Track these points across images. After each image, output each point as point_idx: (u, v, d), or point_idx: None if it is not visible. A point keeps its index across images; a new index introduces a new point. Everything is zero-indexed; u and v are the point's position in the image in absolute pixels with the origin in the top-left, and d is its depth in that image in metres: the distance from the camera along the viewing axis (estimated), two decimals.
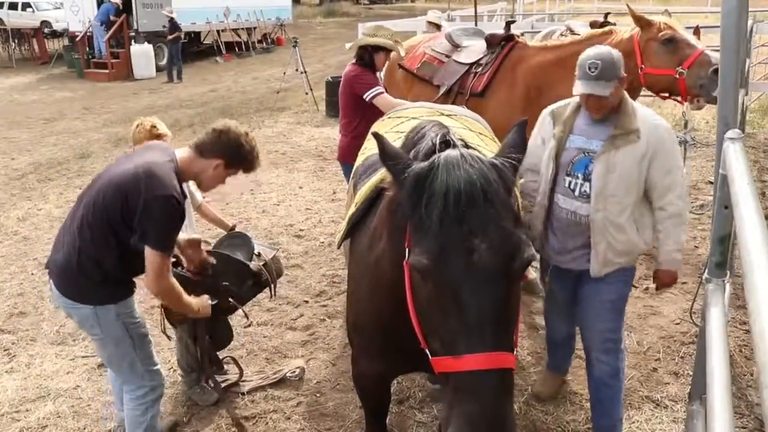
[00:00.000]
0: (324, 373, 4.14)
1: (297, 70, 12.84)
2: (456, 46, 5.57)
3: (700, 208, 6.43)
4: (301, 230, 6.54)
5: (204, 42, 23.05)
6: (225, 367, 4.06)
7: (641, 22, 4.55)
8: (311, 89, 12.56)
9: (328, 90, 11.82)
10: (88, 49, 18.48)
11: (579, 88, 2.91)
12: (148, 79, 17.65)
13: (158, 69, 18.15)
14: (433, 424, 3.59)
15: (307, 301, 5.06)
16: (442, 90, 5.26)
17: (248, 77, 17.74)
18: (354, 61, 4.71)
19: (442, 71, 5.44)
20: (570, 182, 3.04)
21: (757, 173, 7.53)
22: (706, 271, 2.69)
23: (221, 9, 21.18)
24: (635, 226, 3.00)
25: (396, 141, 2.17)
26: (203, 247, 3.41)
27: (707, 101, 4.40)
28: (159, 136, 3.54)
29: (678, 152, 3.04)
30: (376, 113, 4.18)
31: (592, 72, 2.84)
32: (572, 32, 6.08)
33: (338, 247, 3.02)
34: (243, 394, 3.91)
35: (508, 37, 5.21)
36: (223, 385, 3.91)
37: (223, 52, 21.55)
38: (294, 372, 4.08)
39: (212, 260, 3.39)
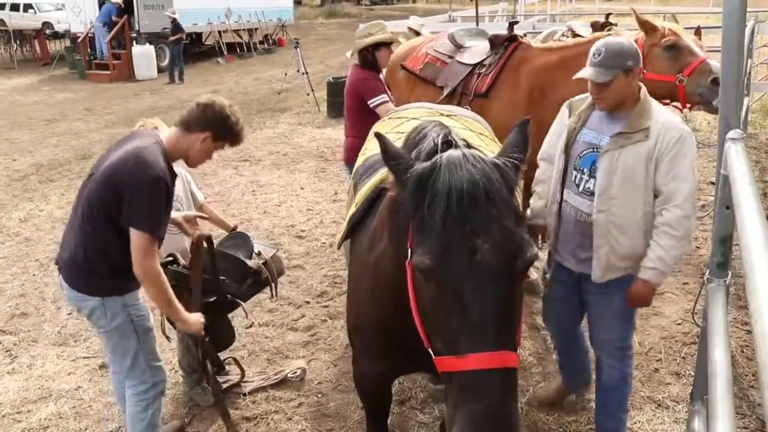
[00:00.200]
0: (325, 373, 4.14)
1: (298, 71, 12.85)
2: (459, 47, 5.56)
3: (702, 209, 6.42)
4: (302, 231, 6.54)
5: (205, 43, 23.06)
6: (227, 368, 4.05)
7: (646, 26, 4.55)
8: (312, 90, 12.57)
9: (329, 91, 11.83)
10: (89, 50, 18.51)
11: (581, 73, 2.88)
12: (150, 80, 17.67)
13: (160, 70, 18.17)
14: (435, 425, 3.59)
15: (308, 302, 5.07)
16: (446, 91, 5.26)
17: (250, 78, 17.76)
18: (357, 63, 4.72)
19: (446, 72, 5.43)
20: (576, 177, 2.96)
21: (759, 174, 7.52)
22: (708, 271, 2.69)
23: (223, 10, 21.19)
24: (642, 232, 2.85)
25: (396, 141, 2.16)
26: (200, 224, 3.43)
27: (706, 110, 4.39)
28: None
29: (692, 162, 2.78)
30: (381, 116, 4.20)
31: (595, 58, 2.80)
32: (574, 33, 6.08)
33: (338, 248, 3.03)
34: (244, 394, 3.91)
35: (512, 38, 5.21)
36: (224, 385, 3.92)
37: (225, 53, 21.56)
38: (295, 373, 4.08)
39: (208, 234, 3.37)
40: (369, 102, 4.48)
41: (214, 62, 20.90)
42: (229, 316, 3.87)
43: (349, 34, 20.75)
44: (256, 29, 23.58)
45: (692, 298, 4.45)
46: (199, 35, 22.51)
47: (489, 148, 2.82)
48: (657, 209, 2.81)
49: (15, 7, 22.92)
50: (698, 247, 5.73)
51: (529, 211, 3.27)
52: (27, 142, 11.04)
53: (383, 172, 2.54)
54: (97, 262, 2.85)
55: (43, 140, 11.12)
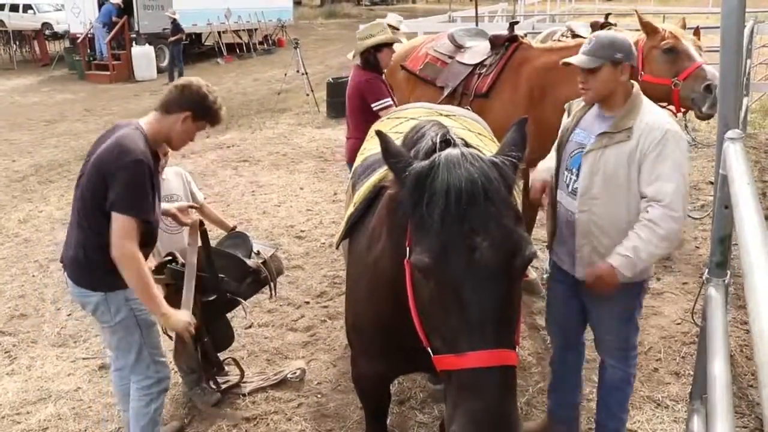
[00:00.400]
0: (325, 374, 4.14)
1: (298, 71, 12.85)
2: (459, 47, 5.57)
3: (701, 209, 6.42)
4: (302, 231, 6.54)
5: (205, 43, 23.07)
6: (226, 368, 4.06)
7: (648, 28, 4.55)
8: (312, 90, 12.57)
9: (329, 91, 11.83)
10: (89, 50, 18.51)
11: (569, 59, 2.87)
12: (149, 80, 17.68)
13: (159, 71, 18.18)
14: (434, 425, 3.59)
15: (308, 302, 5.07)
16: (447, 91, 5.26)
17: (249, 78, 17.76)
18: (360, 64, 4.71)
19: (446, 72, 5.43)
20: (566, 177, 2.94)
21: (758, 173, 7.53)
22: (707, 271, 2.69)
23: (222, 10, 21.19)
24: (625, 234, 2.73)
25: (395, 141, 2.17)
26: (193, 215, 3.45)
27: (697, 117, 4.39)
28: None
29: (678, 162, 2.65)
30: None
31: (586, 47, 2.79)
32: (573, 33, 6.08)
33: (336, 248, 3.03)
34: (244, 395, 3.91)
35: (512, 38, 5.21)
36: (224, 386, 3.92)
37: (224, 53, 21.56)
38: (295, 373, 4.08)
39: (196, 217, 3.37)
40: (373, 105, 4.48)
41: (214, 63, 20.90)
42: (228, 316, 3.89)
43: (349, 35, 20.75)
44: (255, 30, 23.59)
45: (692, 298, 4.45)
46: (198, 36, 22.51)
47: (487, 147, 2.82)
48: (642, 206, 2.72)
49: (14, 8, 22.93)
50: (697, 247, 5.73)
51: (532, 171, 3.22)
52: (26, 142, 11.04)
53: (381, 172, 2.54)
54: (97, 257, 2.87)
55: (42, 141, 11.12)
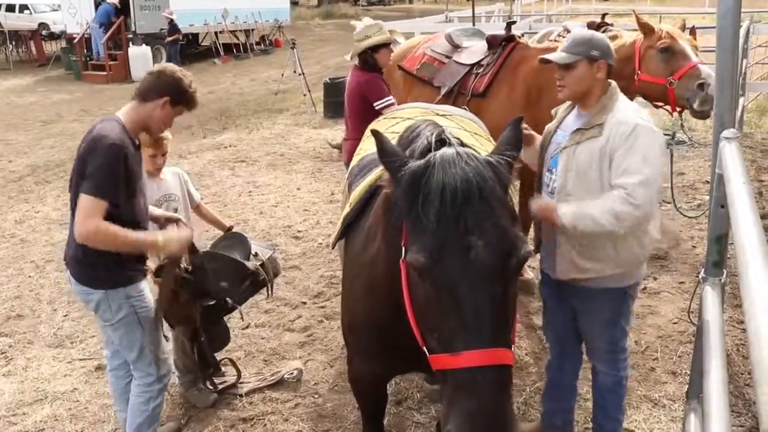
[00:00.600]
0: (322, 374, 4.14)
1: (295, 71, 12.84)
2: (456, 47, 5.57)
3: (697, 208, 6.44)
4: (299, 231, 6.54)
5: (202, 44, 23.04)
6: (223, 368, 4.05)
7: (645, 28, 4.56)
8: (309, 91, 12.56)
9: (326, 91, 11.82)
10: (86, 51, 18.47)
11: (546, 55, 2.86)
12: None
13: None
14: (432, 425, 3.59)
15: (305, 303, 5.06)
16: (444, 91, 5.26)
17: (246, 79, 17.74)
18: (358, 65, 4.71)
19: (443, 72, 5.43)
20: (547, 177, 2.93)
21: (755, 173, 7.54)
22: (703, 270, 2.70)
23: (219, 11, 21.16)
24: (606, 233, 2.69)
25: (391, 141, 2.17)
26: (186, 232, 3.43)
27: (692, 115, 4.40)
28: (160, 139, 3.55)
29: (647, 156, 2.58)
30: None
31: (564, 44, 2.80)
32: (570, 33, 6.08)
33: (333, 248, 3.03)
34: (241, 395, 3.91)
35: (509, 38, 5.21)
36: (220, 386, 3.92)
37: (221, 53, 21.53)
38: (292, 373, 4.08)
39: (177, 216, 3.37)
40: (375, 104, 4.47)
41: (211, 63, 20.87)
42: (225, 317, 3.88)
43: (346, 35, 20.73)
44: (252, 30, 23.56)
45: (688, 297, 4.45)
46: (195, 36, 22.51)
47: (484, 147, 2.82)
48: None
49: (11, 8, 22.86)
50: (694, 246, 5.74)
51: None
52: (23, 143, 11.02)
53: (377, 172, 2.54)
54: (96, 256, 2.89)
55: (38, 141, 11.10)
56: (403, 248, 1.86)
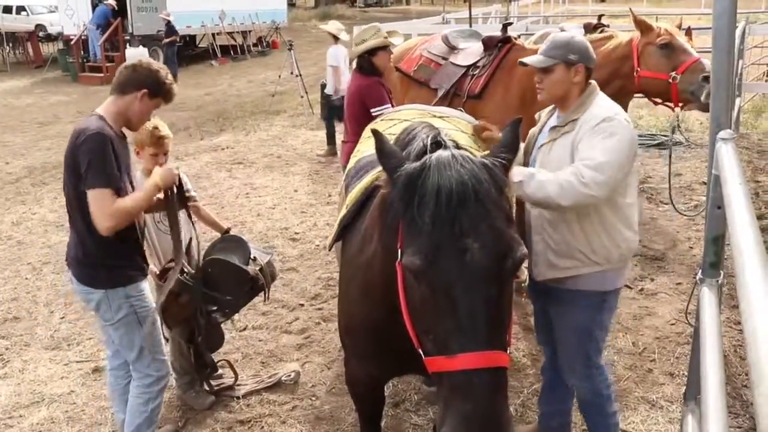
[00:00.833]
0: (319, 376, 4.13)
1: (292, 73, 12.83)
2: (452, 48, 5.57)
3: (694, 209, 6.44)
4: (296, 233, 6.53)
5: (199, 45, 23.03)
6: (220, 370, 4.04)
7: (642, 26, 4.57)
8: (306, 92, 12.56)
9: (323, 93, 11.79)
10: (82, 52, 18.44)
11: (524, 59, 2.87)
12: None
13: None
14: (429, 427, 3.58)
15: (302, 305, 5.05)
16: (440, 93, 5.26)
17: (243, 80, 17.74)
18: (356, 69, 4.70)
19: (440, 74, 5.44)
20: None
21: (751, 173, 7.56)
22: (700, 271, 2.69)
23: (216, 12, 21.16)
24: (575, 226, 2.71)
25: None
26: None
27: (697, 108, 4.42)
28: (161, 138, 3.55)
29: (606, 147, 2.55)
30: None
31: (543, 47, 2.79)
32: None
33: (329, 250, 3.03)
34: (238, 397, 3.90)
35: (505, 40, 5.21)
36: (217, 388, 3.91)
37: (219, 55, 21.53)
38: (289, 375, 4.07)
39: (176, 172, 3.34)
40: (372, 111, 4.47)
41: (208, 64, 20.88)
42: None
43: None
44: (249, 31, 23.56)
45: (685, 299, 4.46)
46: (192, 37, 22.49)
47: (480, 149, 2.82)
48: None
49: (7, 10, 22.80)
50: (691, 247, 5.75)
51: None
52: (19, 145, 11.00)
53: (374, 174, 2.54)
54: (95, 255, 2.93)
55: (35, 143, 11.08)
56: (399, 250, 1.86)
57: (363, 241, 2.38)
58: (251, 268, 3.66)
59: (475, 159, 1.86)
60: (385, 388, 3.29)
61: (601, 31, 5.62)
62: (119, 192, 2.85)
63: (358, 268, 2.41)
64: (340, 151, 5.25)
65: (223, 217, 5.77)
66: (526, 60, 2.83)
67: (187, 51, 21.44)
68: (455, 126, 3.18)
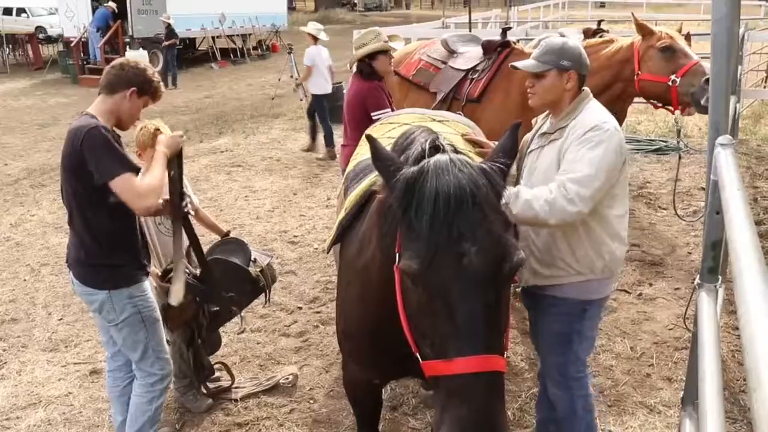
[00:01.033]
0: (317, 379, 4.13)
1: (292, 76, 12.83)
2: (452, 53, 5.58)
3: (693, 214, 6.45)
4: (295, 236, 6.53)
5: (199, 48, 23.04)
6: (218, 373, 4.04)
7: (643, 30, 4.59)
8: (306, 96, 12.55)
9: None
10: (82, 54, 18.45)
11: (516, 63, 2.83)
12: None
13: None
14: (427, 431, 3.58)
15: (300, 308, 5.05)
16: (440, 97, 5.27)
17: (243, 84, 17.75)
18: (357, 73, 4.70)
19: (439, 78, 5.45)
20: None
21: (750, 179, 7.57)
22: (699, 276, 2.70)
23: (216, 15, 21.18)
24: (561, 236, 2.67)
25: (387, 147, 2.17)
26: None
27: (697, 110, 4.43)
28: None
29: (593, 159, 2.50)
30: None
31: (536, 51, 2.75)
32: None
33: (327, 252, 3.03)
34: (236, 400, 3.89)
35: (505, 44, 5.23)
36: (214, 391, 3.91)
37: (218, 58, 21.54)
38: (287, 378, 4.07)
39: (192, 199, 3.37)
40: (373, 114, 4.48)
41: (208, 68, 20.89)
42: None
43: (343, 41, 20.73)
44: (249, 35, 23.59)
45: (684, 303, 4.46)
46: (192, 41, 22.50)
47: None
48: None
49: (8, 11, 22.81)
50: (690, 253, 5.76)
51: None
52: (19, 146, 11.00)
53: (373, 177, 2.54)
54: (98, 256, 2.94)
55: (35, 145, 11.08)
56: (397, 254, 1.86)
57: (361, 245, 2.38)
58: (253, 269, 3.68)
59: (473, 163, 1.86)
60: (383, 392, 3.30)
61: (600, 37, 5.64)
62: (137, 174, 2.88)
63: (356, 272, 2.41)
64: (339, 154, 5.26)
65: (221, 219, 5.78)
66: (518, 64, 2.80)
67: (187, 54, 21.44)
68: (454, 130, 3.18)
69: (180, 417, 3.80)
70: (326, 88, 9.46)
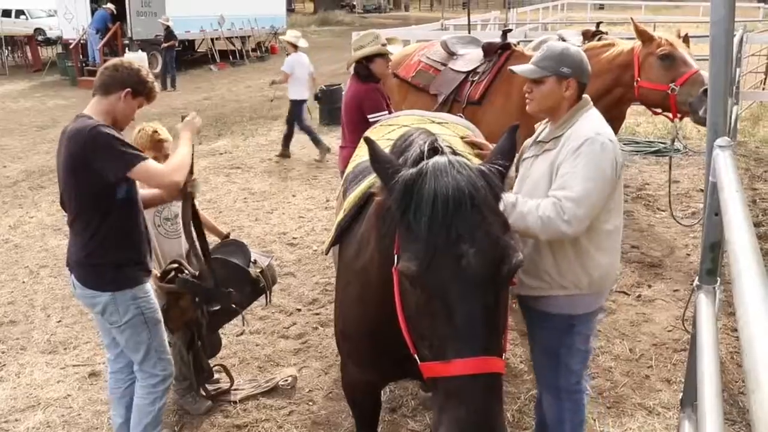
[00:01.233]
0: (316, 381, 4.13)
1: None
2: (451, 54, 5.59)
3: (692, 216, 6.46)
4: (294, 238, 6.53)
5: (198, 50, 23.04)
6: (217, 375, 4.04)
7: (643, 36, 4.58)
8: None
9: (321, 98, 11.82)
10: (81, 56, 18.44)
11: (514, 67, 2.79)
12: None
13: None
14: None
15: (299, 310, 5.05)
16: (441, 99, 5.28)
17: (242, 85, 17.74)
18: (354, 75, 4.71)
19: (439, 80, 5.45)
20: None
21: (748, 181, 7.58)
22: (697, 278, 2.70)
23: (215, 17, 21.19)
24: (546, 248, 2.61)
25: (386, 149, 2.17)
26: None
27: (694, 120, 4.43)
28: (160, 142, 3.56)
29: (588, 175, 2.45)
30: None
31: (536, 55, 2.69)
32: (564, 42, 6.12)
33: (326, 254, 3.03)
34: (235, 402, 3.89)
35: (505, 46, 5.23)
36: (213, 393, 3.91)
37: (217, 60, 21.54)
38: (286, 380, 4.07)
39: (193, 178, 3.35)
40: (369, 117, 4.49)
41: (207, 69, 20.88)
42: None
43: (342, 42, 20.76)
44: (248, 37, 23.58)
45: (682, 305, 4.47)
46: (191, 42, 22.49)
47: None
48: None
49: (7, 13, 22.81)
50: (688, 254, 5.76)
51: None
52: (18, 148, 10.99)
53: (371, 179, 2.54)
54: (101, 257, 2.93)
55: (34, 147, 11.07)
56: (395, 256, 1.86)
57: (360, 246, 2.38)
58: (253, 270, 3.68)
59: (471, 165, 1.87)
60: (382, 394, 3.30)
61: (600, 39, 5.65)
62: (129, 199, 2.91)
63: (354, 273, 2.41)
64: (337, 156, 5.26)
65: (220, 221, 5.78)
66: (516, 68, 2.74)
67: (185, 56, 21.42)
68: (453, 132, 3.19)
69: (179, 419, 3.79)
70: (304, 95, 9.53)
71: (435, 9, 46.68)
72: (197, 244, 3.35)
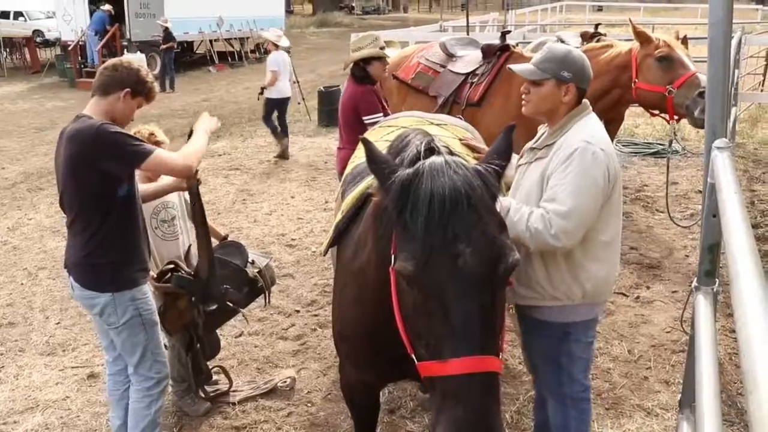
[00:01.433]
0: (315, 382, 4.13)
1: (290, 80, 12.85)
2: (450, 56, 5.59)
3: (690, 217, 6.47)
4: (292, 240, 6.53)
5: (197, 52, 23.05)
6: (215, 377, 4.04)
7: (642, 37, 4.58)
8: (303, 99, 12.57)
9: (320, 100, 11.84)
10: (80, 58, 18.44)
11: (514, 66, 2.70)
12: None
13: None
14: None
15: (298, 311, 5.05)
16: (440, 101, 5.28)
17: (240, 87, 17.75)
18: (350, 76, 4.71)
19: (438, 82, 5.45)
20: None
21: (746, 182, 7.59)
22: (696, 279, 2.70)
23: (214, 19, 21.20)
24: (538, 258, 2.56)
25: (384, 150, 2.18)
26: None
27: (691, 123, 4.44)
28: (157, 143, 3.55)
29: (579, 188, 2.39)
30: None
31: (537, 56, 2.61)
32: (563, 43, 6.13)
33: (324, 255, 3.03)
34: (234, 404, 3.89)
35: (504, 48, 5.23)
36: (212, 394, 3.90)
37: (216, 61, 21.55)
38: (285, 382, 4.06)
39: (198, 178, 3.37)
40: (364, 118, 4.49)
41: (206, 71, 20.90)
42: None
43: (341, 44, 20.77)
44: (247, 38, 23.60)
45: (681, 306, 4.47)
46: (190, 44, 22.51)
47: (474, 156, 2.84)
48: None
49: (5, 15, 22.83)
50: (687, 256, 5.76)
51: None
52: (16, 150, 10.99)
53: (369, 180, 2.54)
54: (98, 254, 2.93)
55: (32, 148, 11.07)
56: (392, 256, 1.86)
57: (357, 247, 2.39)
58: (250, 270, 3.68)
59: (468, 165, 1.87)
60: (381, 395, 3.30)
61: (598, 40, 5.66)
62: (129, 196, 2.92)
63: (352, 274, 2.42)
64: (335, 157, 5.28)
65: (219, 223, 5.78)
66: (515, 67, 2.65)
67: (184, 57, 21.44)
68: (451, 133, 3.19)
69: (178, 421, 3.79)
70: (286, 93, 9.57)
71: (433, 10, 46.78)
72: (205, 243, 3.36)
